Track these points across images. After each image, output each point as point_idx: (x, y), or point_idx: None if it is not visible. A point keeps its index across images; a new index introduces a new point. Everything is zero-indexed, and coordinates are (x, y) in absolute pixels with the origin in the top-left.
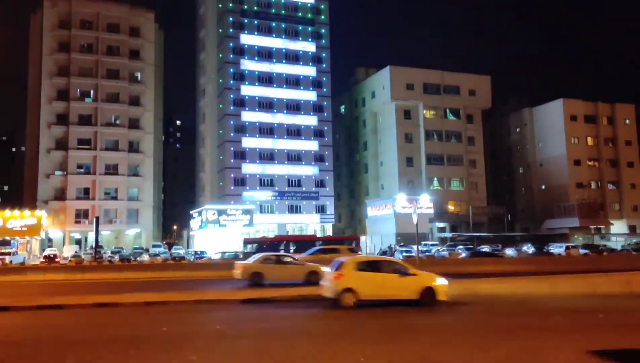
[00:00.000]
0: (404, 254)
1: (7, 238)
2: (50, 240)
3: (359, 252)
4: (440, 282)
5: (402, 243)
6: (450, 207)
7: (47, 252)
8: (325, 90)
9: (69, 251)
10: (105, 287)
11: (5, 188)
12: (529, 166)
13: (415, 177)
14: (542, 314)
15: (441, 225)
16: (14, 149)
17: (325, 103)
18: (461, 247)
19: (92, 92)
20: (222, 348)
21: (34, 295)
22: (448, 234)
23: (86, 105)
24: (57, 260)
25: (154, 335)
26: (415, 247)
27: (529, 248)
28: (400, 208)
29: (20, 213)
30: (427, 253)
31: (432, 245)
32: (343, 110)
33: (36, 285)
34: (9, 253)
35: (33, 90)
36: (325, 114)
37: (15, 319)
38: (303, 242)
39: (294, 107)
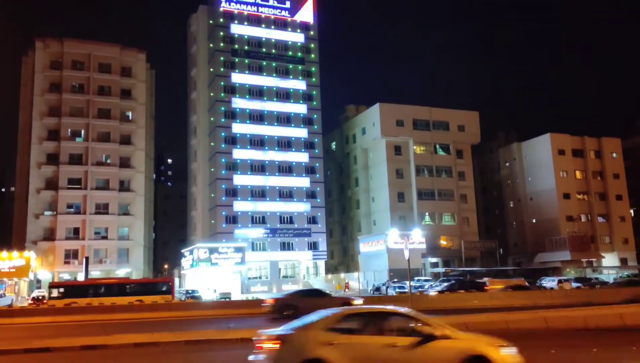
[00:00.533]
0: (397, 290)
1: None
2: (39, 281)
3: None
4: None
5: (395, 279)
6: (443, 242)
7: (36, 293)
8: (316, 127)
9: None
10: (95, 329)
11: None
12: (520, 200)
13: (406, 213)
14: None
15: (434, 260)
16: (3, 189)
17: (316, 140)
18: (454, 281)
19: (83, 131)
20: None
21: (22, 338)
22: (441, 269)
23: (77, 144)
24: (45, 301)
25: None
26: (408, 282)
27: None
28: (392, 243)
29: (8, 255)
30: (420, 289)
31: (425, 280)
32: (334, 146)
33: (24, 328)
34: None
35: (23, 131)
36: (317, 151)
37: None
38: (113, 286)
39: (285, 144)
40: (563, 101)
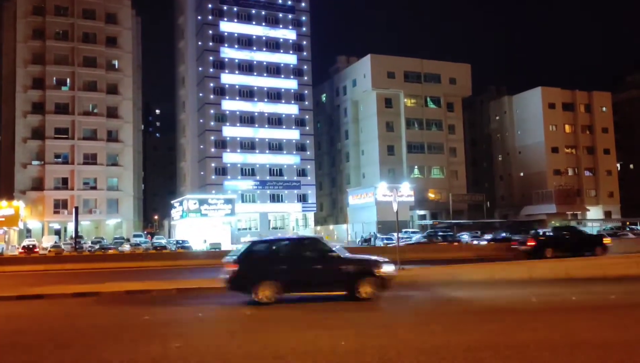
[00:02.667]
0: (385, 242)
1: None
2: (28, 230)
3: None
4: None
5: (382, 231)
6: (431, 195)
7: (26, 242)
8: (306, 78)
9: (48, 241)
10: (86, 277)
11: None
12: (508, 154)
13: (396, 166)
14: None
15: (422, 212)
16: None
17: (306, 91)
18: (441, 234)
19: (68, 80)
20: (204, 335)
21: (14, 285)
22: (428, 221)
23: (63, 93)
24: (36, 250)
25: (135, 323)
26: (396, 234)
27: (507, 236)
28: (381, 196)
29: None
30: (407, 241)
31: (412, 232)
32: (324, 98)
33: (15, 276)
34: None
35: (7, 79)
36: (307, 103)
37: None
38: None
39: (275, 95)
40: (555, 55)
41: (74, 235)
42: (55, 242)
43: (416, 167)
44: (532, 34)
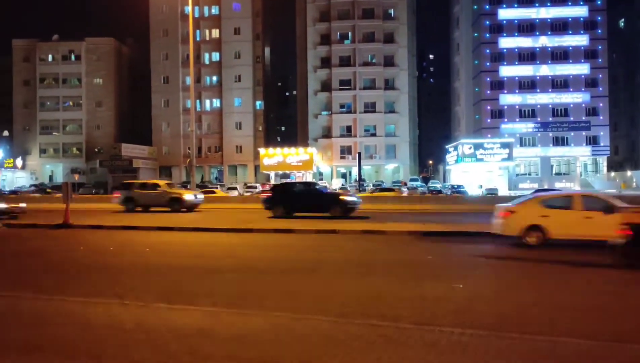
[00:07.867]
0: None
1: (287, 172)
2: (320, 173)
3: None
4: None
5: None
6: None
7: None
8: (599, 2)
9: (336, 184)
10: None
11: (282, 128)
12: None
13: None
14: None
15: None
16: (287, 93)
17: (599, 17)
18: None
19: (349, 33)
20: (485, 278)
21: (312, 221)
22: None
23: (345, 47)
24: None
25: (419, 262)
26: None
27: None
28: None
29: (296, 151)
30: None
31: None
32: (622, 24)
33: None
34: None
35: (300, 37)
36: (599, 31)
37: (296, 239)
38: None
39: (560, 26)
40: None
41: (357, 178)
42: (342, 184)
43: None
44: None
